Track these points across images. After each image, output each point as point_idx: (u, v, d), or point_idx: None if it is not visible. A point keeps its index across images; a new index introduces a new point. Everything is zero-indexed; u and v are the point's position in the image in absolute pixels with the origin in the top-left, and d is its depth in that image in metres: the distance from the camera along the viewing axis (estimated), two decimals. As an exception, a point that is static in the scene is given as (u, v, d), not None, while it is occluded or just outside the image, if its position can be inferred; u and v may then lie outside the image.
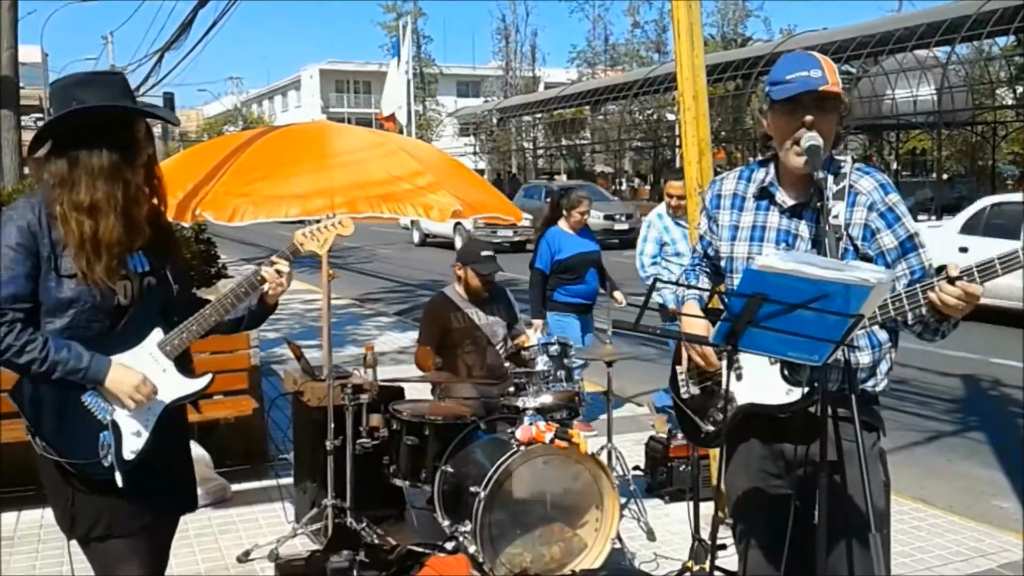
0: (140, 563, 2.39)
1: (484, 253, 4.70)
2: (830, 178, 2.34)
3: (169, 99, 36.64)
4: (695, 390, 2.61)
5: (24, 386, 2.29)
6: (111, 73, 2.49)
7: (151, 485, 2.37)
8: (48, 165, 2.30)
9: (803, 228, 2.41)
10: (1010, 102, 28.43)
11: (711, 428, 2.55)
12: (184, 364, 2.44)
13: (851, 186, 2.36)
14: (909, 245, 2.35)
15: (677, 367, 2.65)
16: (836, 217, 2.25)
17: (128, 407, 2.30)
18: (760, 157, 2.60)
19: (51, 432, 2.26)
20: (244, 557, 4.11)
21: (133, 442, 2.31)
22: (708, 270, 2.69)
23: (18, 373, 2.27)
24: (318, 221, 2.61)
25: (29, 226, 2.24)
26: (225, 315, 2.44)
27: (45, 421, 2.27)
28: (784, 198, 2.43)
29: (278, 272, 2.47)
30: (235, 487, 4.98)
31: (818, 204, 2.24)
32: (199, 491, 4.58)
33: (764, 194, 2.47)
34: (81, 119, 2.27)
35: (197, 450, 4.79)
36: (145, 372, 2.32)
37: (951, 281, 2.07)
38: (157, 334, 2.38)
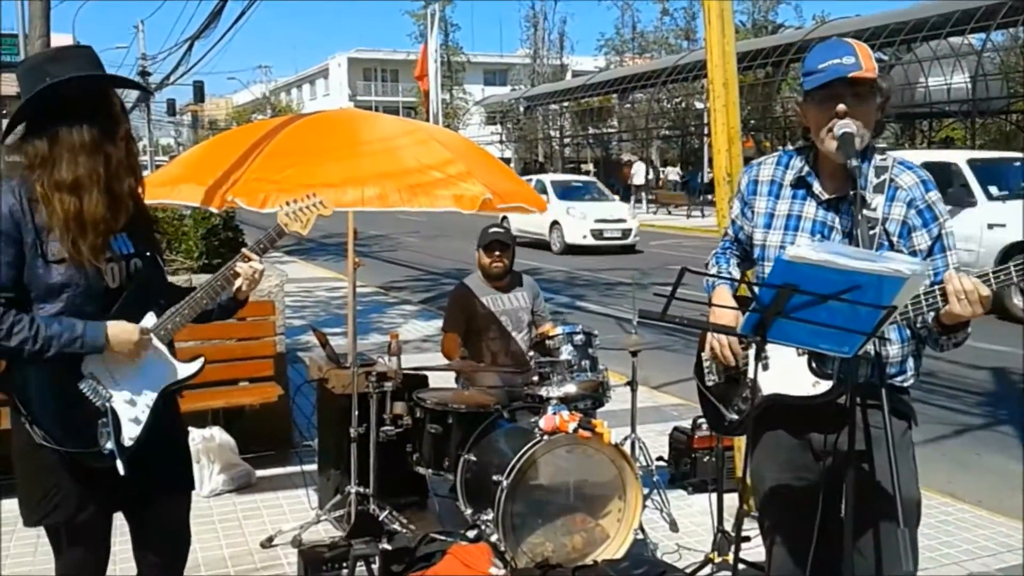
0: (96, 550, 2.38)
1: (492, 229, 4.73)
2: (871, 170, 2.31)
3: (199, 87, 36.96)
4: (720, 378, 2.58)
5: (15, 376, 2.22)
6: (80, 46, 2.41)
7: (145, 472, 2.33)
8: (25, 146, 2.21)
9: (839, 222, 2.37)
10: (1046, 90, 27.78)
11: (735, 416, 2.53)
12: (171, 350, 2.41)
13: (892, 180, 2.32)
14: (938, 246, 2.31)
15: (703, 354, 2.63)
16: (875, 210, 2.22)
17: (139, 358, 2.28)
18: (791, 146, 2.56)
19: (49, 421, 2.21)
20: (267, 542, 4.13)
21: (131, 429, 2.28)
22: (739, 254, 2.66)
23: (11, 358, 2.20)
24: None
25: (12, 212, 2.17)
26: (215, 299, 2.41)
27: (41, 410, 2.21)
28: (821, 190, 2.39)
29: (252, 268, 2.43)
30: (260, 473, 5.01)
31: (852, 194, 2.19)
32: (223, 477, 4.72)
33: (801, 183, 2.43)
34: (57, 95, 2.18)
35: (222, 436, 4.84)
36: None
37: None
38: (150, 318, 2.34)
